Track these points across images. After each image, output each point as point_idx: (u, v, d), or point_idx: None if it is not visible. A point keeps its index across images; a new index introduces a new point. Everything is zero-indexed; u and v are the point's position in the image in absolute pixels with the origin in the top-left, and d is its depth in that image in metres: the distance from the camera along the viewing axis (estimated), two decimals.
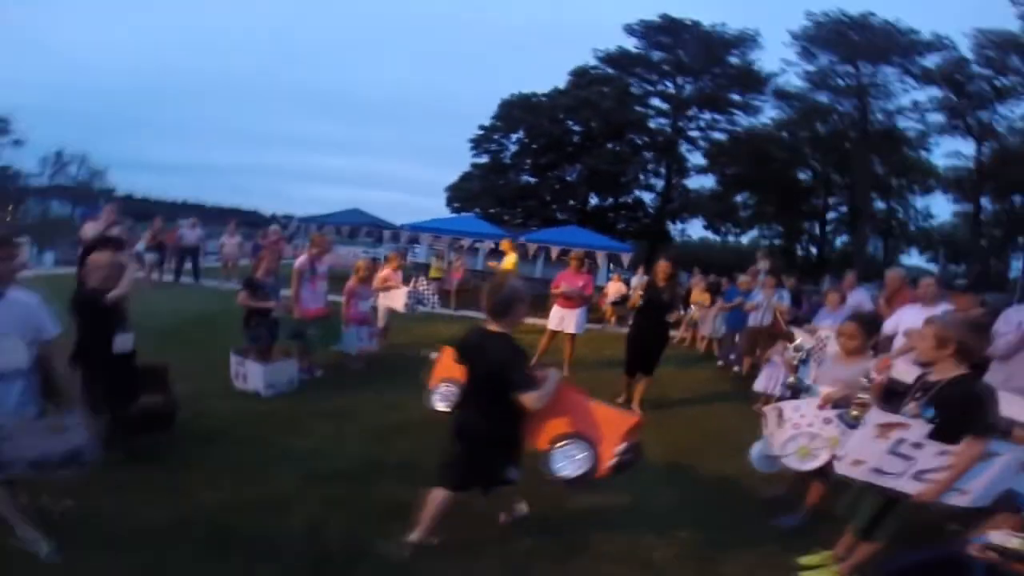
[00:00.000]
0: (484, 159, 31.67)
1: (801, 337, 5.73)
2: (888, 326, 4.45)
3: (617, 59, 30.55)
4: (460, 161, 32.87)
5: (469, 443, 2.40)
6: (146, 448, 3.16)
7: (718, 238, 37.84)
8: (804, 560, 2.61)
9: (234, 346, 4.72)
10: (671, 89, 30.92)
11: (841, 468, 2.19)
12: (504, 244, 9.16)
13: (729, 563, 2.64)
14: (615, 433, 2.45)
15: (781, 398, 5.63)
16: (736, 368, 7.39)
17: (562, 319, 6.21)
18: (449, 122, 54.10)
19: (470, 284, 14.01)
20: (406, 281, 6.18)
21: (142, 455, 3.09)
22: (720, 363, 7.95)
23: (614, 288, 11.30)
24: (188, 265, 11.29)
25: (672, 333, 10.03)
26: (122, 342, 3.05)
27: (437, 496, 2.39)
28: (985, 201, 29.44)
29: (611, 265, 14.70)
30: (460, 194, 31.00)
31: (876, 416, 2.09)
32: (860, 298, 6.42)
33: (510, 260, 8.26)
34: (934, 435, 2.01)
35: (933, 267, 36.45)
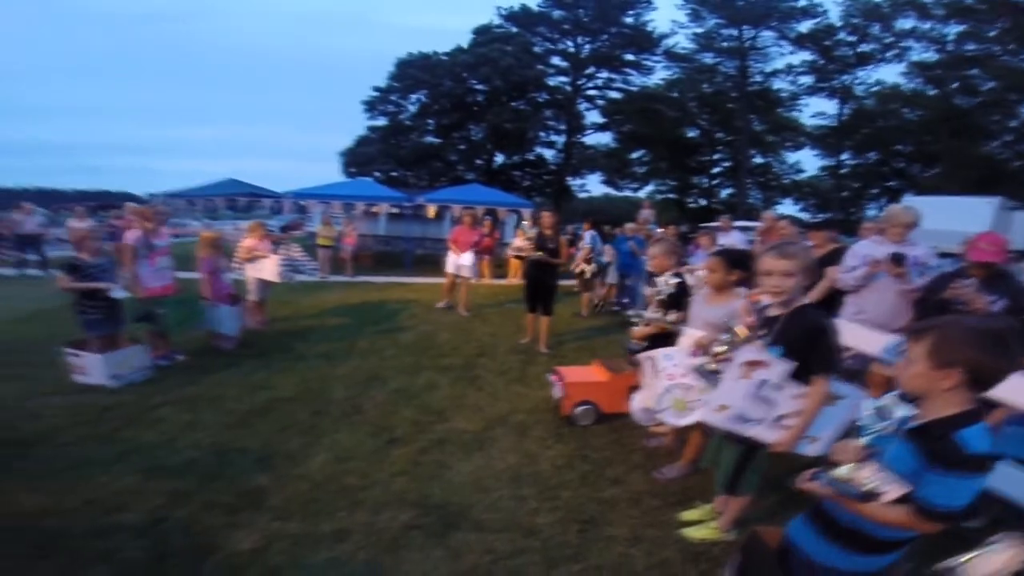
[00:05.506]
0: (382, 121, 30.19)
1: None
2: None
3: (520, 17, 30.08)
4: (357, 126, 30.94)
5: None
6: None
7: (618, 193, 39.62)
8: (685, 515, 2.60)
9: (67, 339, 4.24)
10: (571, 48, 31.00)
11: (706, 415, 2.02)
12: None
13: (613, 524, 2.60)
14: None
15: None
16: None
17: (458, 265, 7.63)
18: (347, 87, 48.95)
19: (367, 250, 13.67)
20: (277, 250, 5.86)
21: None
22: (616, 308, 8.38)
23: (519, 243, 11.46)
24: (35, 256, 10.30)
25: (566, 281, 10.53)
26: None
27: None
28: (846, 156, 33.04)
29: (520, 221, 14.80)
30: (357, 159, 29.43)
31: (744, 353, 1.91)
32: (734, 239, 7.05)
33: None
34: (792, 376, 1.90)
35: (805, 216, 40.87)
